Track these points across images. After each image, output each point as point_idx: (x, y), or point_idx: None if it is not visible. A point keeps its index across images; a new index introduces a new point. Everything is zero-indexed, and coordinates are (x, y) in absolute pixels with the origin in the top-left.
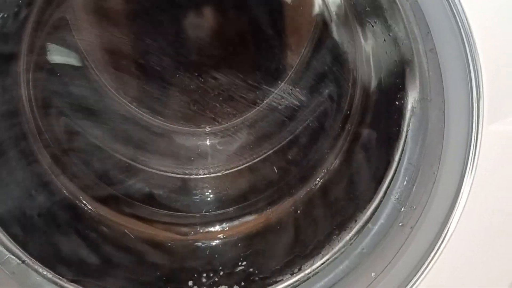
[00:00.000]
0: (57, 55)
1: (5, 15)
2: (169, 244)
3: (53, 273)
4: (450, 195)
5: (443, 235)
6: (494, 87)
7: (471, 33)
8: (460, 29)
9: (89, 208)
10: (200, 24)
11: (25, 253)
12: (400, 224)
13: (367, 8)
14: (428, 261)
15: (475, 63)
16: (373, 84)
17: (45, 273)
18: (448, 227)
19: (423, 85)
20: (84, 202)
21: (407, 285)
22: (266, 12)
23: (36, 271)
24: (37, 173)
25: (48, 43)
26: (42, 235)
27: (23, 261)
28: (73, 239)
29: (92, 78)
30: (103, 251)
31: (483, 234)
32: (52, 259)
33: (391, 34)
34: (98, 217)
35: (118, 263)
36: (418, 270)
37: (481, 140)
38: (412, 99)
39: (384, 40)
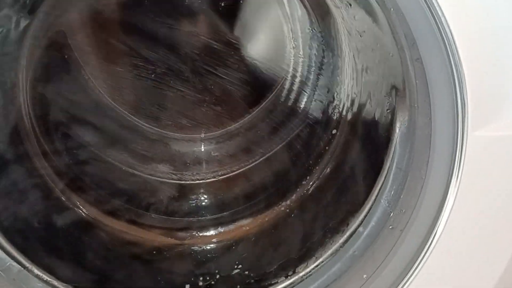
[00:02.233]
0: (55, 68)
1: (4, 30)
2: (166, 249)
3: (54, 279)
4: (437, 199)
5: (432, 237)
6: (477, 95)
7: (454, 42)
8: (443, 39)
9: (88, 215)
10: (195, 32)
11: (27, 260)
12: (390, 227)
13: (356, 18)
14: (417, 262)
15: (459, 72)
16: (363, 91)
17: (46, 278)
18: (436, 230)
19: (410, 93)
20: (82, 208)
21: (397, 287)
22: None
23: (37, 276)
24: (36, 181)
25: (46, 56)
26: (42, 241)
27: (25, 268)
28: (73, 245)
29: (89, 88)
30: (102, 257)
31: (469, 236)
32: (53, 265)
33: (378, 44)
34: (96, 224)
35: (117, 268)
36: (408, 272)
37: (466, 145)
38: (400, 105)
39: (372, 50)
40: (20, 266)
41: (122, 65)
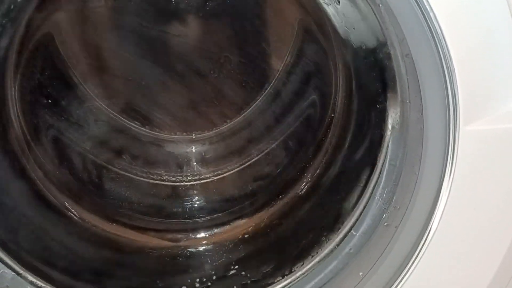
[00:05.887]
0: (44, 71)
1: None
2: (162, 251)
3: (49, 285)
4: (431, 194)
5: (426, 233)
6: (468, 90)
7: (443, 37)
8: (433, 34)
9: (82, 219)
10: (184, 34)
11: (20, 266)
12: (385, 224)
13: (345, 15)
14: (413, 259)
15: (449, 66)
16: (354, 88)
17: (40, 285)
18: (430, 225)
19: (402, 89)
20: (75, 212)
21: (393, 283)
22: (248, 20)
23: (32, 283)
24: (27, 186)
25: (34, 59)
26: (36, 247)
27: (19, 274)
28: (67, 250)
29: (79, 91)
30: (97, 261)
31: (464, 231)
32: (47, 271)
33: (369, 39)
34: (91, 227)
35: (113, 272)
36: (404, 268)
37: (458, 140)
38: (391, 102)
39: (363, 45)
40: (13, 273)
41: (112, 67)
